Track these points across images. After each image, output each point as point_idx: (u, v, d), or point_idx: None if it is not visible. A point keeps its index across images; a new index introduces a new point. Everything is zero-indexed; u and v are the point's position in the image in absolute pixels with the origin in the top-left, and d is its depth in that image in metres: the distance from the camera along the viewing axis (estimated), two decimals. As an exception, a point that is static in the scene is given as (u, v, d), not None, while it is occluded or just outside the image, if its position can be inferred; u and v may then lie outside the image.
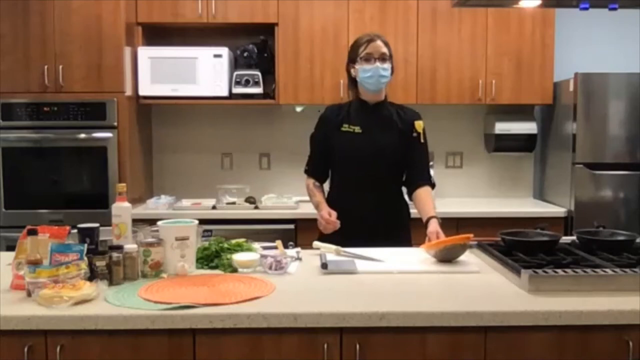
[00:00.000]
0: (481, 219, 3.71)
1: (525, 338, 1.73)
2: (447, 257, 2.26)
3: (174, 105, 4.21)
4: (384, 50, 2.63)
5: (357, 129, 2.68)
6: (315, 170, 2.81)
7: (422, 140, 2.72)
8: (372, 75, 2.61)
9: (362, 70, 2.62)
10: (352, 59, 2.67)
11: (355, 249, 2.39)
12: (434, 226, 2.49)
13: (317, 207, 2.71)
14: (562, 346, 1.74)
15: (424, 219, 2.56)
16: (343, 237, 2.51)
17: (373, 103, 2.70)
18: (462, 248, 2.27)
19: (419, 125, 2.71)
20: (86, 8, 3.71)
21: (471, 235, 2.27)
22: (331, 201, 2.77)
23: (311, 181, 2.80)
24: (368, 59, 2.61)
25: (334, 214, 2.58)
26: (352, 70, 2.69)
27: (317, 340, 1.72)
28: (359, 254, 2.34)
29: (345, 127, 2.69)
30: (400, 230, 2.72)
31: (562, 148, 4.00)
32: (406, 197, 2.78)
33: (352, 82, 2.72)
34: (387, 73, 2.63)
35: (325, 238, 2.54)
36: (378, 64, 2.60)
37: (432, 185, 2.73)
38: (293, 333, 1.71)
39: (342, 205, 2.68)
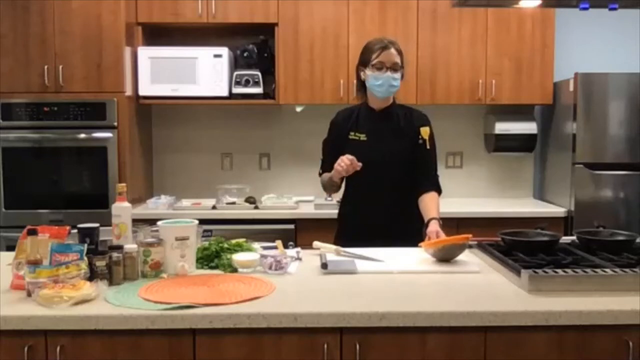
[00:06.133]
0: (481, 219, 3.71)
1: (525, 338, 1.73)
2: (445, 256, 2.26)
3: (174, 105, 4.21)
4: (397, 60, 2.60)
5: (363, 137, 2.67)
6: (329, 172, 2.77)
7: (427, 147, 2.69)
8: (383, 84, 2.60)
9: (373, 78, 2.60)
10: (364, 63, 2.65)
11: (355, 249, 2.39)
12: (433, 226, 2.49)
13: (333, 173, 2.62)
14: (562, 346, 1.74)
15: (425, 220, 2.56)
16: (357, 243, 2.49)
17: (380, 109, 2.70)
18: (461, 248, 2.27)
19: (424, 131, 2.69)
20: (86, 8, 3.71)
21: (470, 236, 2.27)
22: (344, 208, 2.79)
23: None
24: (380, 67, 2.59)
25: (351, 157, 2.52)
26: (362, 74, 2.67)
27: (317, 340, 1.72)
28: (359, 254, 2.34)
29: (352, 135, 2.69)
30: (414, 234, 2.65)
31: (562, 148, 4.00)
32: None
33: (362, 84, 2.70)
34: (397, 82, 2.62)
35: (340, 243, 2.53)
36: (389, 73, 2.58)
37: (439, 191, 2.71)
38: (293, 333, 1.71)
39: (355, 211, 2.70)
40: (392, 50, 2.61)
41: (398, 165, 2.66)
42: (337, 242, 2.64)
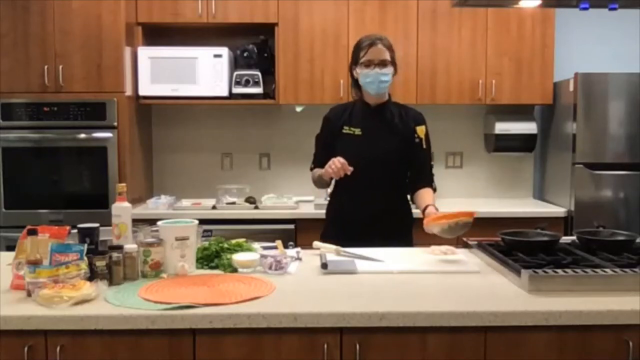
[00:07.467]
0: (481, 219, 3.67)
1: (525, 338, 1.73)
2: (453, 233, 2.28)
3: (174, 105, 4.21)
4: (385, 56, 2.61)
5: (358, 131, 2.67)
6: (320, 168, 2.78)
7: (424, 146, 2.70)
8: (373, 81, 2.61)
9: (363, 75, 2.62)
10: (355, 61, 2.66)
11: (355, 249, 2.39)
12: (431, 209, 2.49)
13: (323, 172, 2.62)
14: (562, 346, 1.74)
15: (421, 208, 2.56)
16: (344, 239, 2.50)
17: (375, 105, 2.70)
18: (467, 225, 2.27)
19: (420, 130, 2.70)
20: (86, 8, 3.71)
21: (475, 213, 2.29)
22: (334, 203, 2.78)
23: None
24: (368, 64, 2.60)
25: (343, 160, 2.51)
26: (354, 72, 2.68)
27: (317, 340, 1.72)
28: (359, 254, 2.34)
29: (346, 129, 2.69)
30: (402, 233, 2.70)
31: (562, 148, 4.00)
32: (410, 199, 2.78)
33: (355, 83, 2.71)
34: (388, 78, 2.62)
35: (327, 240, 2.53)
36: (377, 69, 2.59)
37: (434, 190, 2.72)
38: (293, 333, 1.71)
39: (344, 207, 2.70)
40: (380, 47, 2.61)
41: (390, 162, 2.67)
42: (324, 236, 2.64)
